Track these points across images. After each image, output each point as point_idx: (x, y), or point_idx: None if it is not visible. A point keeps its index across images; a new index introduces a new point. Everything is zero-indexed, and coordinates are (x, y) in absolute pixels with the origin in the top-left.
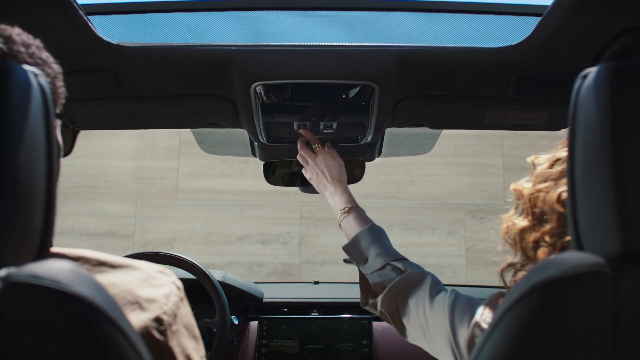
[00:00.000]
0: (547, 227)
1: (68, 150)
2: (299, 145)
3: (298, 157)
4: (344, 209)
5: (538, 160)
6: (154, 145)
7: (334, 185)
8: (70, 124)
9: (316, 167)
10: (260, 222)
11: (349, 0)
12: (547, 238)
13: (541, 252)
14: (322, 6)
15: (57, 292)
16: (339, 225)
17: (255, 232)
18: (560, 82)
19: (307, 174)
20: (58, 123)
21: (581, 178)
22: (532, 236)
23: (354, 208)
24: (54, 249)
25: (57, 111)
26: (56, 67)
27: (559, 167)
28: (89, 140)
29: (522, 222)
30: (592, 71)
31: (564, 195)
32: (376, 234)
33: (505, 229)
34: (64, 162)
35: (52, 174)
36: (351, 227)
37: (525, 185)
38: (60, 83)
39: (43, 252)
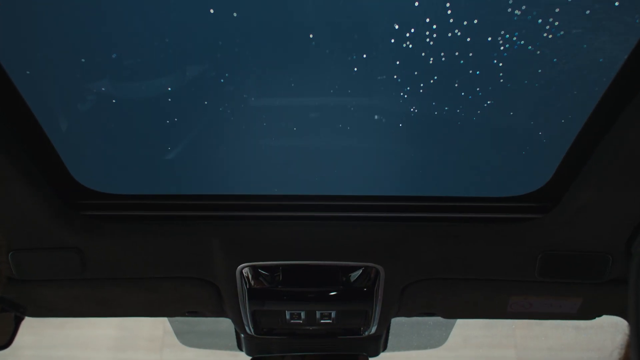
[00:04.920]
0: None
1: (7, 341)
2: None
3: None
4: None
5: None
6: (136, 335)
7: None
8: (11, 309)
9: None
10: None
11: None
12: None
13: None
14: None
15: None
16: None
17: None
18: (593, 262)
19: None
20: None
21: None
22: None
23: None
24: None
25: None
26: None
27: None
28: (64, 329)
29: None
30: None
31: None
32: None
33: None
34: (35, 353)
35: None
36: None
37: None
38: (3, 258)
39: None
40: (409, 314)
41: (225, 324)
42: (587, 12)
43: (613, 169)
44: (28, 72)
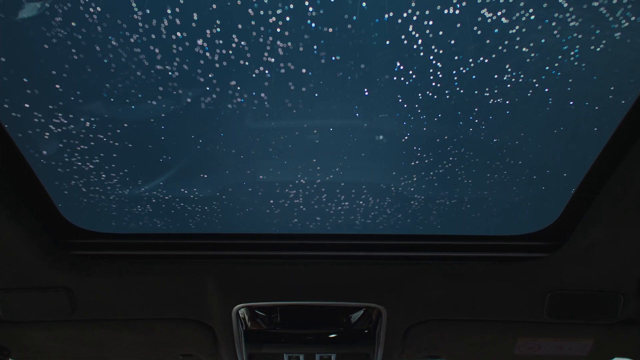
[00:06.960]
0: None
1: None
2: None
3: None
4: None
5: None
6: None
7: None
8: None
9: None
10: None
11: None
12: None
13: None
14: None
15: None
16: None
17: None
18: (604, 301)
19: None
20: None
21: None
22: None
23: None
24: None
25: None
26: None
27: None
28: None
29: None
30: None
31: None
32: None
33: None
34: None
35: None
36: None
37: None
38: None
39: None
40: (412, 357)
41: None
42: (598, 49)
43: (622, 206)
44: (15, 114)
